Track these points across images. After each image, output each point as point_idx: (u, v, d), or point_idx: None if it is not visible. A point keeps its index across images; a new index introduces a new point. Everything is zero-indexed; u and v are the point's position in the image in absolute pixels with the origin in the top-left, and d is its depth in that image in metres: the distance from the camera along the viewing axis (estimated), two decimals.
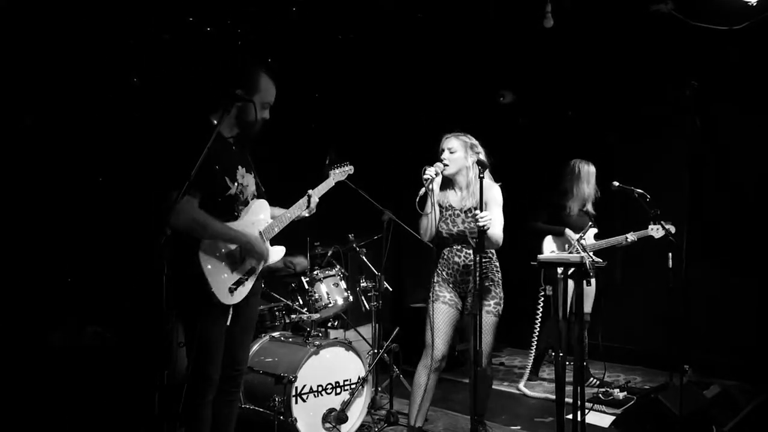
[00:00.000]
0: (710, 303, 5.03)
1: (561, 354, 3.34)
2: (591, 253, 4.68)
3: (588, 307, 4.90)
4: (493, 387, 5.04)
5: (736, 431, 3.73)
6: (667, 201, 4.67)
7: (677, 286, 4.08)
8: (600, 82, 5.69)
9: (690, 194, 4.26)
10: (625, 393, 4.59)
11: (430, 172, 3.46)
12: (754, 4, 4.04)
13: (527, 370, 5.16)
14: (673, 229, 4.52)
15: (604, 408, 4.42)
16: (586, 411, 3.53)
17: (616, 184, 4.72)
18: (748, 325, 5.05)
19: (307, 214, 3.23)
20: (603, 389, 4.64)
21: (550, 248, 4.85)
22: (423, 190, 3.47)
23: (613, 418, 3.98)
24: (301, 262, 4.55)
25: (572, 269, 3.26)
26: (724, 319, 5.11)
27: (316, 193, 3.25)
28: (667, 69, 5.21)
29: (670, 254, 4.24)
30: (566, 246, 4.79)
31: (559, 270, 4.56)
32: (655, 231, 4.60)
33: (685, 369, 4.64)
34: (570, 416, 3.35)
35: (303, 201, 3.20)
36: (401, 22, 4.86)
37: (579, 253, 4.61)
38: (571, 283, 3.31)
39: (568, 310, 4.63)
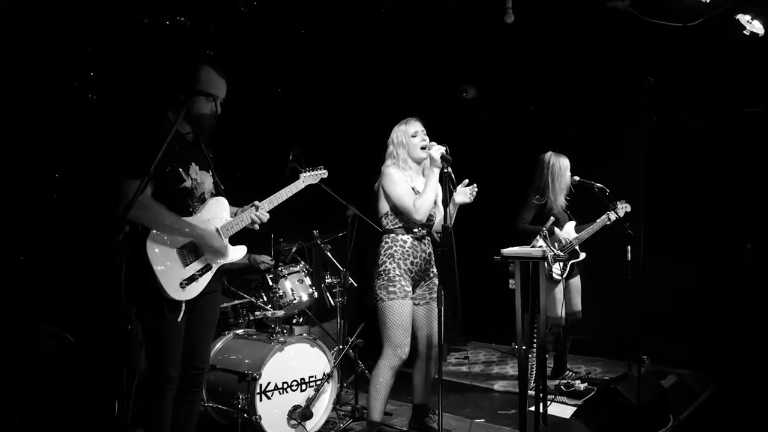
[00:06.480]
0: (667, 295, 5.14)
1: (525, 348, 3.39)
2: (577, 247, 4.75)
3: (578, 303, 4.90)
4: (459, 381, 5.11)
5: (691, 418, 3.83)
6: (626, 195, 4.77)
7: (635, 278, 4.16)
8: (560, 77, 5.76)
9: (646, 188, 4.35)
10: (586, 384, 4.67)
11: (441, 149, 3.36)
12: (708, 1, 4.14)
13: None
14: (629, 207, 4.73)
15: (565, 399, 4.50)
16: (548, 402, 3.59)
17: (577, 178, 4.79)
18: (703, 316, 5.19)
19: (257, 227, 3.06)
20: (565, 381, 4.72)
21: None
22: (438, 169, 3.35)
23: (575, 408, 4.05)
24: (266, 260, 4.53)
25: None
26: (680, 310, 5.24)
27: (265, 205, 3.07)
28: (624, 64, 5.30)
29: (629, 247, 4.33)
30: (555, 243, 4.64)
31: (556, 268, 4.60)
32: (620, 210, 4.72)
33: (643, 359, 4.75)
34: (533, 408, 3.41)
35: (250, 214, 3.01)
36: (363, 16, 4.84)
37: (566, 249, 4.67)
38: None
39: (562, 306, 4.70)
